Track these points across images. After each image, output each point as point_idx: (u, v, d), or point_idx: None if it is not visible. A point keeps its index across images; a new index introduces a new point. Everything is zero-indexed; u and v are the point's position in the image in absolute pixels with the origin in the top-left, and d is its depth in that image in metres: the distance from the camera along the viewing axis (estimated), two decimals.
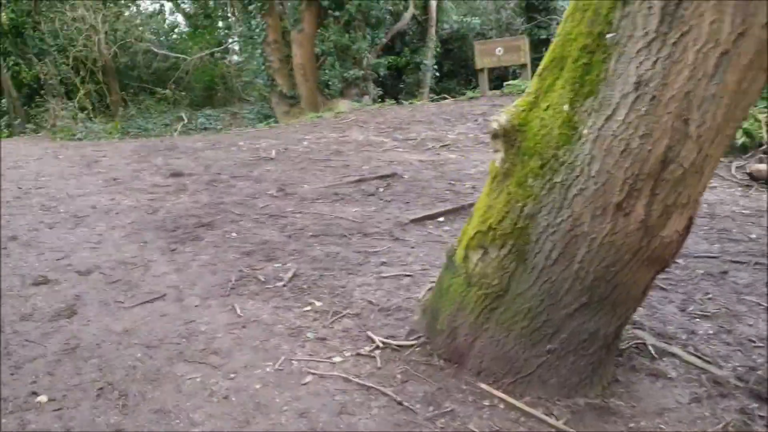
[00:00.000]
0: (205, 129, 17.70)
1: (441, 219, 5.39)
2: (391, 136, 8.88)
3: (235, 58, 21.33)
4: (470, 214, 2.95)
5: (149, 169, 6.98)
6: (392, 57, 12.66)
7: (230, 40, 23.04)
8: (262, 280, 3.99)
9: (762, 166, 6.35)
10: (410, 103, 12.28)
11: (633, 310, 2.72)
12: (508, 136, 2.52)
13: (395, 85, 14.52)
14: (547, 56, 2.45)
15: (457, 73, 18.06)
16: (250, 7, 13.19)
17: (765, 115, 7.22)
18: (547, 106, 2.39)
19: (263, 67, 13.20)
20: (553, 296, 2.55)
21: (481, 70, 11.08)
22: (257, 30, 13.04)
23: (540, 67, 2.49)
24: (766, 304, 3.69)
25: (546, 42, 19.01)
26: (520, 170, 2.50)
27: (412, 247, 4.66)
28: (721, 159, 6.92)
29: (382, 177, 6.61)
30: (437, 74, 16.24)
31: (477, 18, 18.21)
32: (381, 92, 13.45)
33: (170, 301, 3.71)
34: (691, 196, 2.29)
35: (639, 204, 2.25)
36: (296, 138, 8.95)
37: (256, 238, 4.82)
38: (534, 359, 2.72)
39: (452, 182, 6.43)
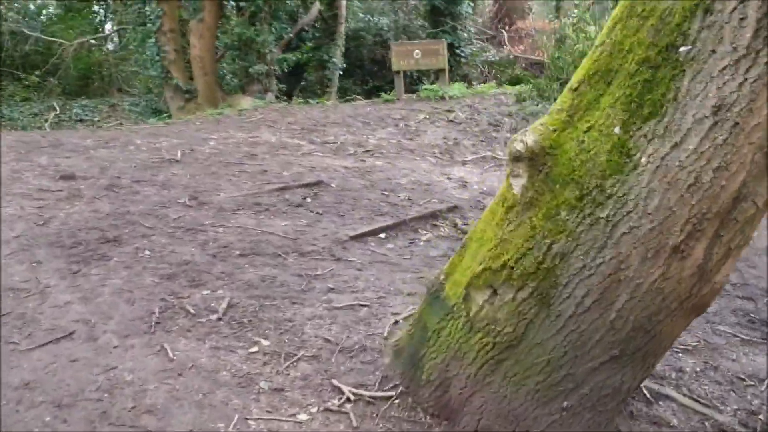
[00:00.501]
0: (81, 121, 16.29)
1: (382, 235, 4.99)
2: (306, 139, 8.36)
3: (110, 46, 19.83)
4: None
5: (32, 170, 6.06)
6: (294, 53, 12.10)
7: (109, 26, 21.49)
8: (192, 312, 3.41)
9: None
10: (318, 102, 11.79)
11: (659, 360, 2.45)
12: (534, 160, 2.15)
13: (295, 83, 13.93)
14: (585, 68, 2.10)
15: (352, 72, 17.69)
16: None
17: None
18: (589, 127, 2.04)
19: (157, 58, 12.20)
20: (580, 348, 2.21)
21: (398, 72, 10.79)
22: (152, 17, 12.04)
23: (574, 80, 2.14)
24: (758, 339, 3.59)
25: (450, 47, 19.15)
26: (549, 201, 2.14)
27: (359, 269, 4.22)
28: None
29: (307, 185, 6.11)
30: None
31: (385, 18, 17.97)
32: (283, 90, 12.84)
33: (81, 340, 3.06)
34: (749, 237, 2.03)
35: (699, 246, 1.95)
36: (200, 137, 8.22)
37: (175, 257, 4.20)
38: (545, 417, 2.37)
39: (385, 192, 6.05)
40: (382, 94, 11.22)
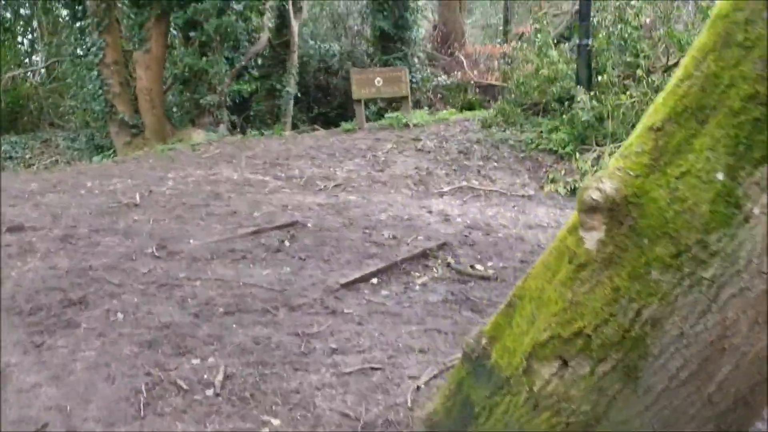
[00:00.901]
0: (11, 158, 15.42)
1: (374, 281, 4.66)
2: (270, 174, 7.99)
3: (37, 78, 18.95)
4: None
5: None
6: (245, 83, 11.71)
7: (37, 58, 20.65)
8: (185, 387, 3.01)
9: None
10: (274, 133, 11.42)
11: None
12: (614, 211, 1.89)
13: (242, 113, 13.47)
14: (669, 105, 1.86)
15: (297, 99, 17.42)
16: (83, 24, 11.61)
17: None
18: (682, 173, 1.79)
19: (100, 92, 11.61)
20: (671, 426, 1.94)
21: (359, 101, 10.54)
22: (93, 49, 11.47)
23: (655, 119, 1.90)
24: None
25: None
26: (635, 258, 1.87)
27: (359, 324, 3.88)
28: None
29: (282, 227, 5.74)
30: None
31: (329, 44, 17.77)
32: (233, 121, 12.37)
33: None
34: None
35: None
36: (157, 176, 7.75)
37: (153, 319, 3.78)
38: None
39: (367, 231, 5.73)
40: (343, 123, 10.95)
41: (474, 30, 26.02)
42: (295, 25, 13.37)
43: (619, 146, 7.62)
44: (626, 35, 9.03)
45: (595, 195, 1.91)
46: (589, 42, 9.31)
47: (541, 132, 9.16)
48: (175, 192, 6.93)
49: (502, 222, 6.32)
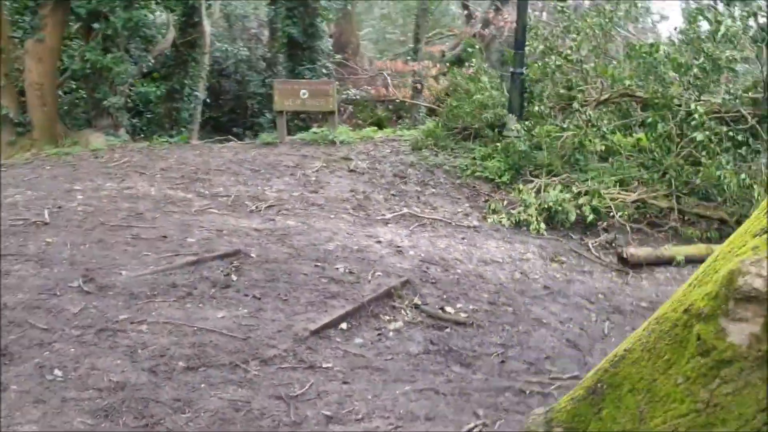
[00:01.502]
0: None
1: (344, 326, 4.26)
2: (192, 191, 7.34)
3: None
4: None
5: None
6: (149, 84, 10.81)
7: None
8: None
9: (638, 251, 6.40)
10: (182, 141, 10.67)
11: None
12: None
13: (140, 116, 12.48)
14: None
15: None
16: None
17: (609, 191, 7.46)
18: None
19: None
20: None
21: (281, 112, 10.02)
22: None
23: None
24: None
25: None
26: None
27: (345, 383, 3.48)
28: (571, 234, 6.78)
29: (223, 256, 5.20)
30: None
31: (245, 49, 17.07)
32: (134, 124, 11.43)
33: None
34: None
35: None
36: (62, 188, 6.89)
37: (100, 377, 3.19)
38: None
39: (319, 265, 5.30)
40: (261, 135, 10.39)
41: (363, 42, 25.98)
42: (206, 24, 12.61)
43: (556, 178, 7.56)
44: (558, 66, 9.15)
45: (757, 283, 1.66)
46: (523, 71, 9.37)
47: (474, 158, 9.07)
48: (88, 209, 6.16)
49: (456, 256, 6.08)
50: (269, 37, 20.72)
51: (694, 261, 6.25)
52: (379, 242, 6.18)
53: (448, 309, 4.82)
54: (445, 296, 5.05)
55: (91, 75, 10.43)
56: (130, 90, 10.92)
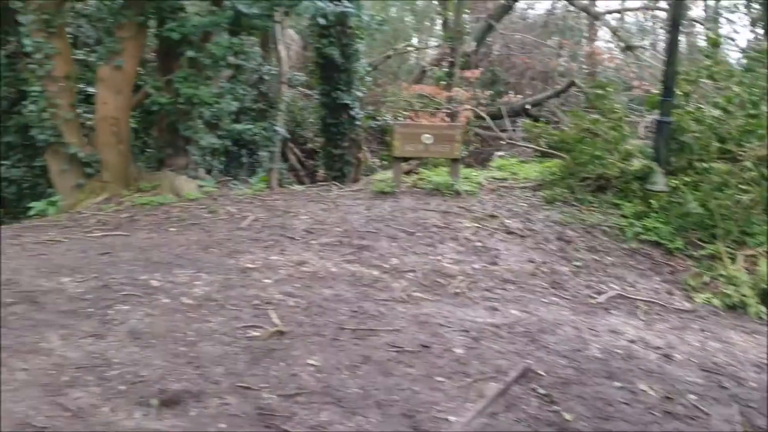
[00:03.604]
0: None
1: None
2: (367, 263, 6.33)
3: None
4: None
5: None
6: (243, 123, 9.67)
7: None
8: None
9: None
10: (260, 184, 9.60)
11: None
12: None
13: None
14: None
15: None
16: (24, 19, 8.97)
17: None
18: None
19: (45, 115, 9.00)
20: None
21: (398, 158, 9.06)
22: (38, 56, 8.90)
23: None
24: None
25: (344, 108, 17.57)
26: None
27: None
28: None
29: (518, 378, 4.24)
30: None
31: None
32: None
33: None
34: None
35: None
36: (225, 265, 5.77)
37: None
38: None
39: (619, 384, 4.39)
40: (375, 183, 9.38)
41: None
42: (282, 49, 11.50)
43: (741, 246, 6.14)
44: (716, 118, 8.49)
45: None
46: (671, 120, 8.68)
47: (625, 216, 8.30)
48: (290, 300, 5.11)
49: (723, 358, 5.26)
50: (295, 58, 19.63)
51: None
52: (632, 341, 5.31)
53: None
54: None
55: (173, 110, 9.22)
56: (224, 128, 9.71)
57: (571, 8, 23.46)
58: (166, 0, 8.43)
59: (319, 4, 8.86)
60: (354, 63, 17.57)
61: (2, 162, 10.95)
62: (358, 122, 17.81)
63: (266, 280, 5.61)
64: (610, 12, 24.25)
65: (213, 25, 8.44)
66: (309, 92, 17.17)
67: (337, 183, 10.40)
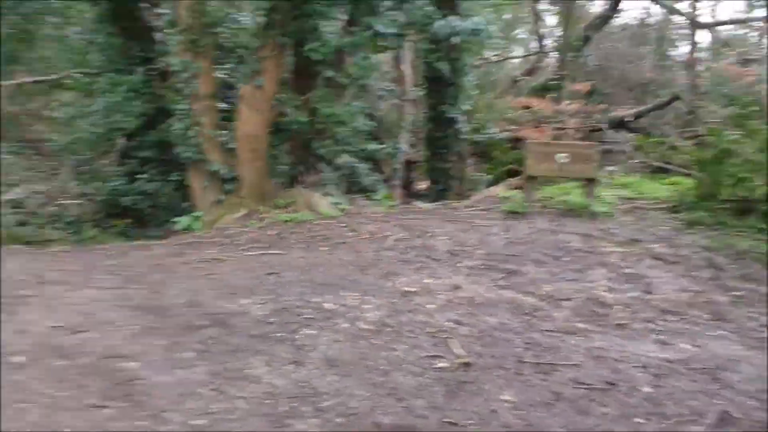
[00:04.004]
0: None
1: None
2: (519, 290, 6.30)
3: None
4: None
5: None
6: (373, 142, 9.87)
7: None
8: None
9: None
10: (385, 202, 9.68)
11: None
12: None
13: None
14: None
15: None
16: (175, 39, 9.42)
17: None
18: None
19: (191, 132, 9.43)
20: None
21: (533, 177, 8.99)
22: (184, 75, 9.33)
23: None
24: None
25: (451, 122, 17.50)
26: None
27: None
28: None
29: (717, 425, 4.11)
30: None
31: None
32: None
33: None
34: None
35: None
36: (387, 287, 5.88)
37: None
38: None
39: None
40: (506, 204, 9.32)
41: None
42: (407, 66, 11.60)
43: None
44: None
45: None
46: None
47: None
48: (471, 330, 5.13)
49: None
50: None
51: None
52: None
53: None
54: None
55: (308, 129, 9.46)
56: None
57: (670, 17, 22.75)
58: (309, 21, 8.67)
59: (454, 23, 8.91)
60: (462, 77, 17.49)
61: (139, 176, 11.49)
62: (463, 136, 17.73)
63: (429, 306, 5.66)
64: (719, 24, 23.35)
65: (353, 45, 8.61)
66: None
67: (446, 198, 10.39)
